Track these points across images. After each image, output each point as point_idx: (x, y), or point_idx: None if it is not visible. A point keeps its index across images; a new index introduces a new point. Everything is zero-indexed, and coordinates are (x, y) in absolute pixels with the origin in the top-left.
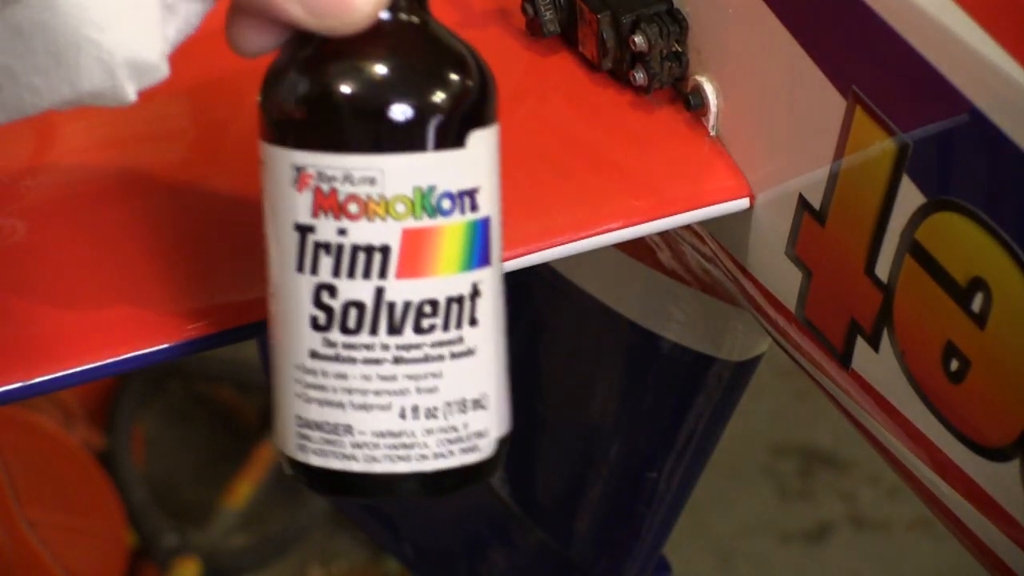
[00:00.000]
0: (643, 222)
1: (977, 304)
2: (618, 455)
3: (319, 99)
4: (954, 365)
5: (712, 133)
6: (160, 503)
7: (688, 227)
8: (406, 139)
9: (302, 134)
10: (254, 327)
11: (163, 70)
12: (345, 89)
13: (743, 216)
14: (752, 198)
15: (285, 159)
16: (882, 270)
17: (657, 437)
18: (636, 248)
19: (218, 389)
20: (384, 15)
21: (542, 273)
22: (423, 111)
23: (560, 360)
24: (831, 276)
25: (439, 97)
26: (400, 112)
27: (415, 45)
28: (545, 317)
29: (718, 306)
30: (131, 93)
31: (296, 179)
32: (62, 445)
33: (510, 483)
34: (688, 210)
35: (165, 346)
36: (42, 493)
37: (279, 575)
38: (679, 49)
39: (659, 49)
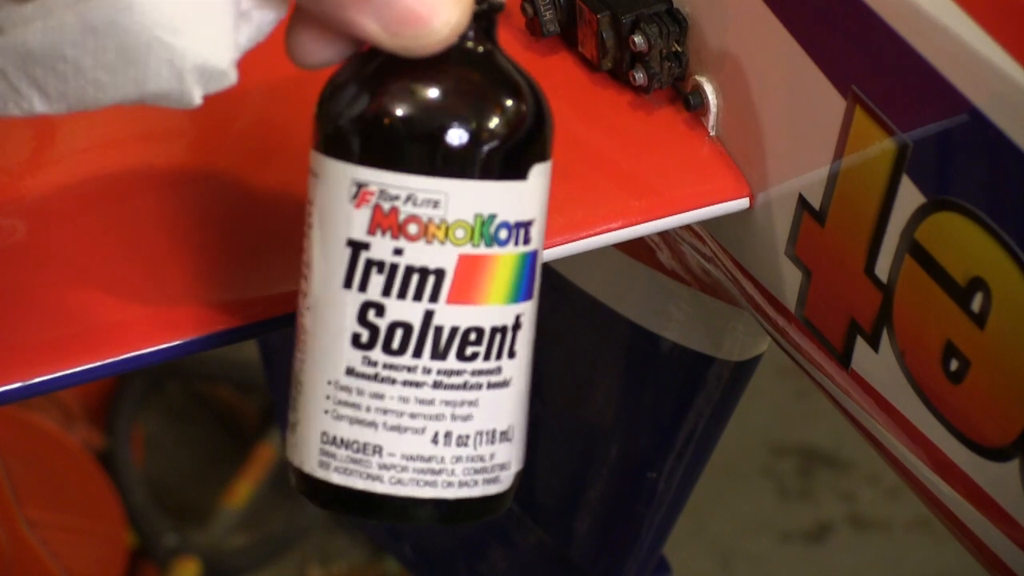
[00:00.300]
0: (643, 222)
1: (977, 304)
2: (618, 455)
3: (390, 117)
4: (954, 365)
5: (712, 133)
6: (160, 503)
7: (688, 227)
8: (474, 165)
9: (368, 151)
10: (254, 327)
11: (231, 77)
12: (419, 110)
13: (743, 216)
14: (752, 198)
15: (345, 173)
16: (882, 270)
17: (657, 437)
18: (636, 248)
19: (218, 389)
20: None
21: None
22: (496, 139)
23: (560, 360)
24: (831, 276)
25: (510, 129)
26: (471, 139)
27: (487, 74)
28: (544, 317)
29: (718, 306)
30: (197, 97)
31: (356, 194)
32: (62, 445)
33: None
34: (688, 210)
35: (165, 346)
36: (42, 493)
37: (279, 575)
38: (679, 49)
39: (659, 49)
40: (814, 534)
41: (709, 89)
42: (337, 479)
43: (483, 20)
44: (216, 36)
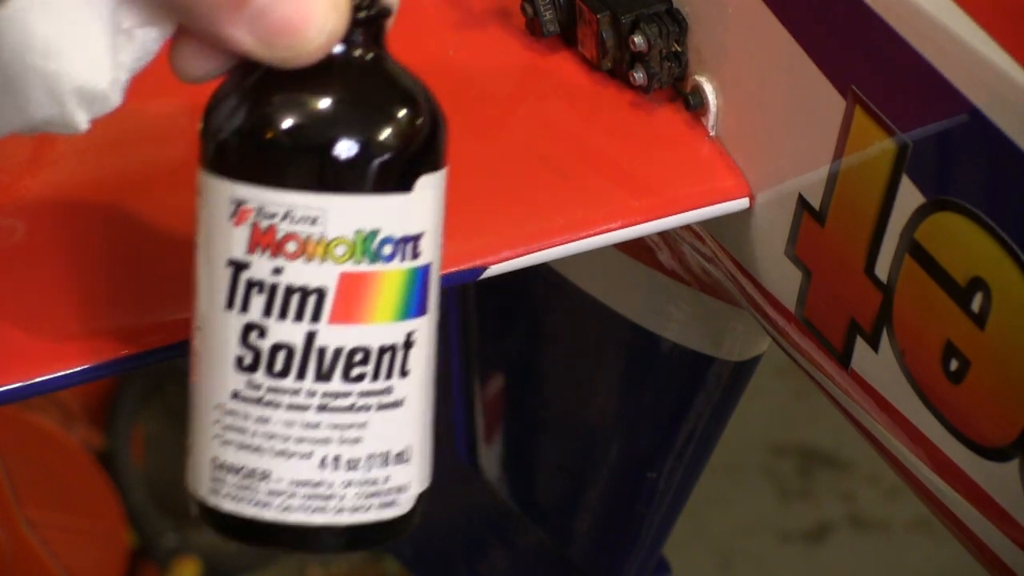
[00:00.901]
0: (643, 222)
1: (977, 304)
2: (618, 455)
3: (264, 132)
4: (954, 365)
5: (712, 133)
6: (160, 503)
7: (688, 227)
8: (352, 180)
9: (244, 167)
10: None
11: (113, 99)
12: (292, 124)
13: (743, 216)
14: (752, 198)
15: (224, 191)
16: (882, 270)
17: (657, 437)
18: (636, 248)
19: None
20: (338, 48)
21: (542, 273)
22: (371, 153)
23: (560, 360)
24: (831, 276)
25: (388, 140)
26: (347, 152)
27: (368, 83)
28: (545, 317)
29: (718, 306)
30: (82, 122)
31: (234, 212)
32: (62, 445)
33: (510, 483)
34: (688, 210)
35: (165, 346)
36: (42, 493)
37: (279, 575)
38: (679, 49)
39: (659, 49)
40: (814, 534)
41: (709, 89)
42: (228, 506)
43: (370, 26)
44: (92, 58)
